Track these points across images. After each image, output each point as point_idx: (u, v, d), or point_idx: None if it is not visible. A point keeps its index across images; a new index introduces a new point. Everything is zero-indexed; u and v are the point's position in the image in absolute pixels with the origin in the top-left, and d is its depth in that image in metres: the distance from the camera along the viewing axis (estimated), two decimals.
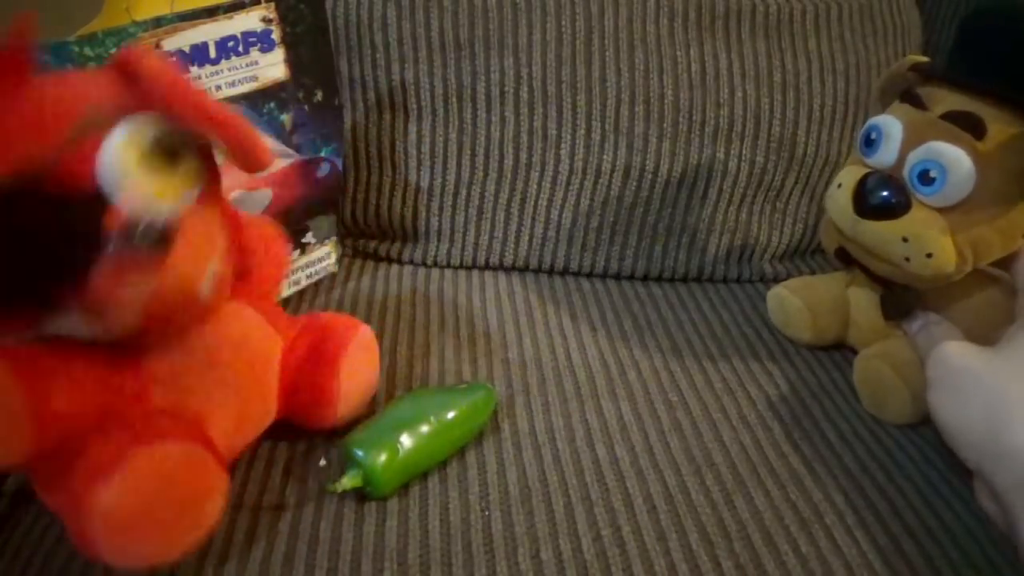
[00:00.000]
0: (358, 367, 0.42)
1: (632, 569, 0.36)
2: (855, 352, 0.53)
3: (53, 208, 0.28)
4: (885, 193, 0.43)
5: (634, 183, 0.62)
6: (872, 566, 0.37)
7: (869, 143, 0.45)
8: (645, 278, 0.64)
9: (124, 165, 0.28)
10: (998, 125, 0.41)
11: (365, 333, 0.43)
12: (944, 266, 0.42)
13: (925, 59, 0.46)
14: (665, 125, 0.61)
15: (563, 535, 0.37)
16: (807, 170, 0.64)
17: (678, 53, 0.61)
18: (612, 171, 0.61)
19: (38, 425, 0.29)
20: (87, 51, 0.39)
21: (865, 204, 0.44)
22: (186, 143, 0.31)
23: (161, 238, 0.29)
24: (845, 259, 0.50)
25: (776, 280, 0.65)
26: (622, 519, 0.39)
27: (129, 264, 0.29)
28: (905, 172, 0.43)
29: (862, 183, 0.44)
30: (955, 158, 0.41)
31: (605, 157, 0.61)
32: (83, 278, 0.28)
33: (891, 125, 0.44)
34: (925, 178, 0.42)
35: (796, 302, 0.53)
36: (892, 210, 0.43)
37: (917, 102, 0.44)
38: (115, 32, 0.41)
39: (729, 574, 0.36)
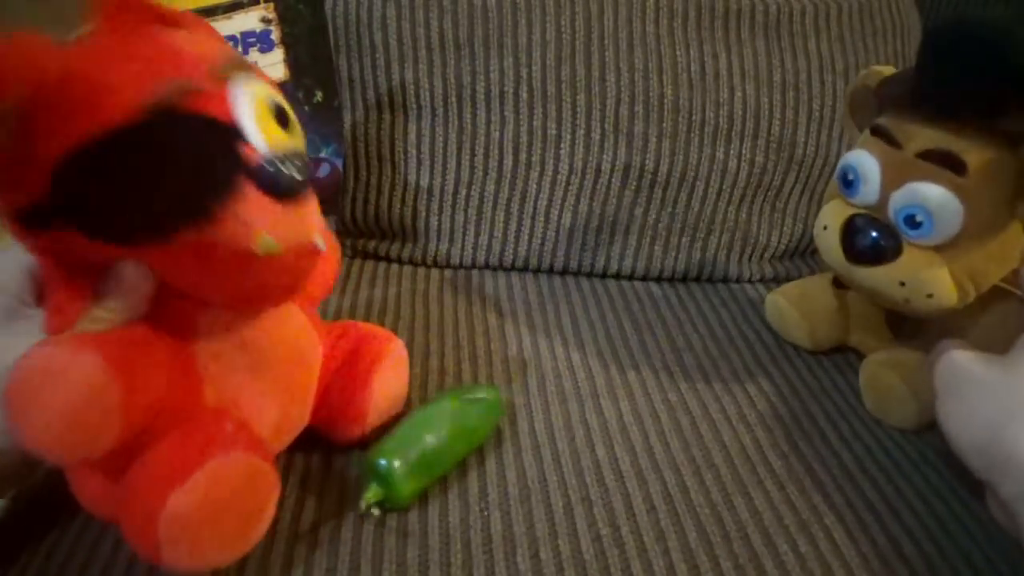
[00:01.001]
0: (390, 381, 0.42)
1: (631, 569, 0.36)
2: (857, 352, 0.53)
3: (203, 127, 0.29)
4: (874, 236, 0.42)
5: (634, 183, 0.62)
6: (871, 567, 0.37)
7: (848, 184, 0.44)
8: (645, 278, 0.64)
9: (255, 112, 0.30)
10: (976, 155, 0.39)
11: (399, 347, 0.43)
12: (945, 302, 0.42)
13: (889, 70, 0.45)
14: (665, 125, 0.61)
15: (562, 535, 0.37)
16: (807, 170, 0.64)
17: (678, 53, 0.61)
18: (612, 171, 0.61)
19: (126, 420, 0.29)
20: None
21: (855, 249, 0.43)
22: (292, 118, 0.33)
23: (300, 182, 0.30)
24: (845, 285, 0.49)
25: (776, 280, 0.65)
26: (621, 519, 0.39)
27: (271, 200, 0.30)
28: (890, 214, 0.42)
29: (849, 226, 0.43)
30: (940, 200, 0.40)
31: (605, 157, 0.61)
32: (231, 200, 0.29)
33: (867, 165, 0.43)
34: (912, 222, 0.41)
35: (794, 314, 0.53)
36: (884, 254, 0.42)
37: (890, 139, 0.43)
38: None
39: (728, 574, 0.36)
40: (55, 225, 0.28)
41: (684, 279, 0.65)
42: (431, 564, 0.36)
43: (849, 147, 0.47)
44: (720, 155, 0.62)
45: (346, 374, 0.40)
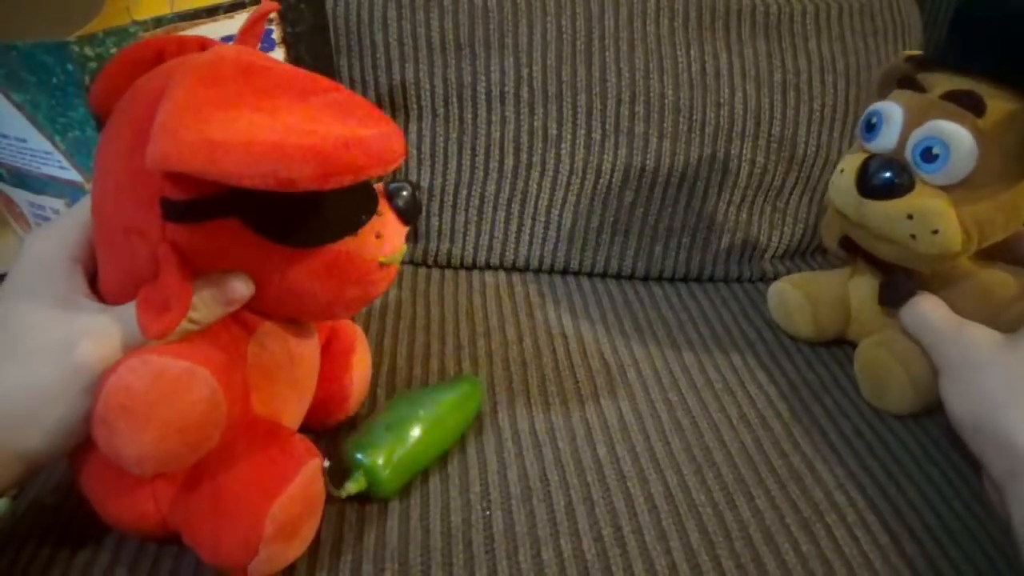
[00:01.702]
0: (364, 365, 0.43)
1: (633, 568, 0.36)
2: (854, 346, 0.53)
3: None
4: (888, 173, 0.43)
5: (634, 183, 0.62)
6: (873, 565, 0.37)
7: (870, 128, 0.46)
8: (645, 278, 0.64)
9: None
10: (996, 103, 0.41)
11: (361, 332, 0.45)
12: (951, 243, 0.42)
13: (919, 52, 0.47)
14: (665, 125, 0.61)
15: (564, 534, 0.37)
16: (807, 170, 0.64)
17: (678, 53, 0.61)
18: (612, 171, 0.61)
19: (223, 432, 0.30)
20: (87, 51, 0.39)
21: (868, 184, 0.44)
22: None
23: (418, 209, 0.35)
24: (849, 248, 0.49)
25: (776, 279, 0.65)
26: (623, 518, 0.39)
27: (398, 220, 0.34)
28: (907, 153, 0.43)
29: (864, 166, 0.44)
30: (957, 135, 0.41)
31: (605, 157, 0.61)
32: (375, 217, 0.33)
33: (892, 109, 0.44)
34: (928, 155, 0.42)
35: (798, 296, 0.53)
36: (896, 189, 0.43)
37: (916, 86, 0.45)
38: (115, 32, 0.41)
39: (730, 573, 0.36)
40: (220, 216, 0.29)
41: (684, 279, 0.65)
42: (433, 564, 0.36)
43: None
44: (721, 155, 0.62)
45: (326, 363, 0.41)
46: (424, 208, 0.63)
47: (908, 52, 0.47)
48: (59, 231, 0.33)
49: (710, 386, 0.50)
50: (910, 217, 0.43)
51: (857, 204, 0.45)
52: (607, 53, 0.60)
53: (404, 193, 0.34)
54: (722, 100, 0.61)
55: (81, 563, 0.35)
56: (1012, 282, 0.46)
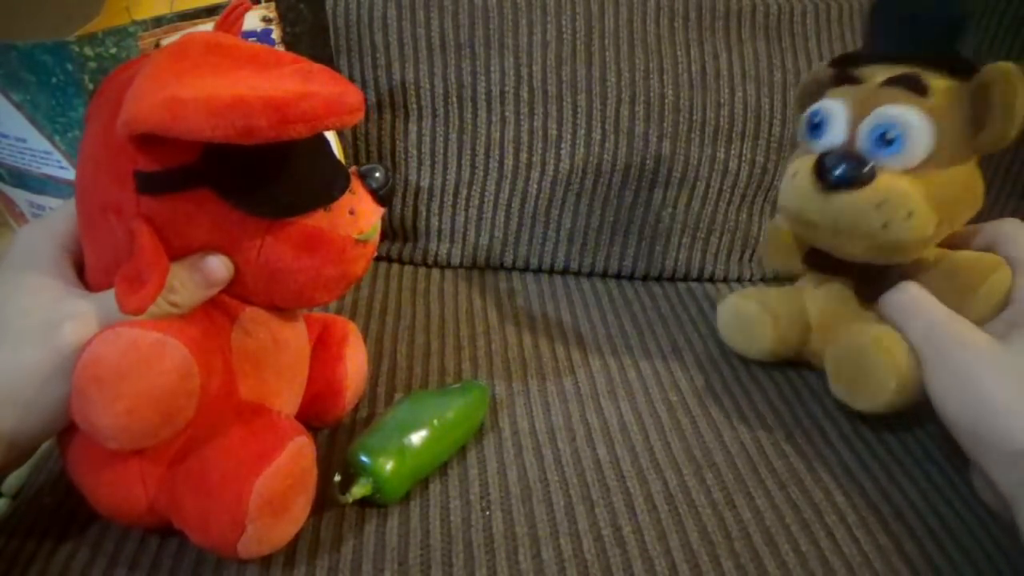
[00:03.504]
0: (359, 358, 0.43)
1: (633, 569, 0.36)
2: (813, 369, 0.51)
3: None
4: (848, 164, 0.42)
5: (634, 183, 0.62)
6: (873, 566, 0.37)
7: (815, 127, 0.44)
8: (645, 278, 0.64)
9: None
10: (936, 82, 0.41)
11: (354, 327, 0.45)
12: (924, 227, 0.41)
13: (839, 56, 0.47)
14: (665, 125, 0.61)
15: (564, 535, 0.37)
16: None
17: (678, 53, 0.61)
18: (612, 171, 0.61)
19: (198, 406, 0.31)
20: (87, 50, 0.39)
21: (830, 178, 0.42)
22: None
23: (391, 189, 0.36)
24: (816, 263, 0.48)
25: (776, 280, 0.65)
26: (623, 519, 0.39)
27: (372, 198, 0.35)
28: (860, 144, 0.42)
29: (820, 162, 0.42)
30: (909, 115, 0.40)
31: (605, 157, 0.61)
32: (349, 193, 0.34)
33: (833, 105, 0.43)
34: (884, 140, 0.41)
35: (755, 308, 0.50)
36: (859, 179, 0.41)
37: (853, 80, 0.44)
38: (115, 31, 0.41)
39: (730, 574, 0.36)
40: (192, 187, 0.30)
41: (684, 279, 0.65)
42: (433, 564, 0.36)
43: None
44: (721, 155, 0.62)
45: (319, 357, 0.42)
46: (424, 208, 0.63)
47: (823, 64, 0.47)
48: (50, 222, 0.34)
49: (710, 386, 0.50)
50: (880, 205, 0.41)
51: (821, 202, 0.43)
52: (607, 53, 0.60)
53: (377, 174, 0.35)
54: (722, 100, 0.61)
55: (81, 563, 0.35)
56: (976, 260, 0.43)
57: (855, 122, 0.42)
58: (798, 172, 0.44)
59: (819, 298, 0.49)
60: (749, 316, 0.50)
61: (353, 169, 0.35)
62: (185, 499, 0.32)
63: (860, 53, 0.45)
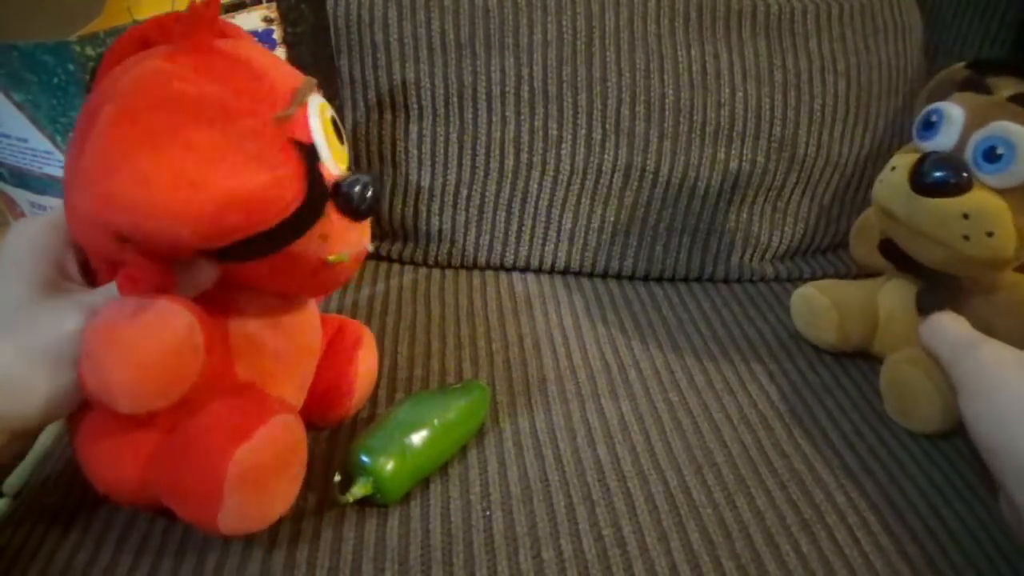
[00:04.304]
0: (370, 364, 0.44)
1: (633, 569, 0.36)
2: (870, 358, 0.52)
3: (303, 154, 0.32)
4: (946, 171, 0.42)
5: (634, 183, 0.62)
6: (874, 566, 0.37)
7: (928, 126, 0.44)
8: (645, 278, 0.64)
9: (323, 128, 0.33)
10: None
11: (370, 333, 0.45)
12: (1004, 248, 0.41)
13: (977, 60, 0.46)
14: (665, 125, 0.61)
15: (564, 535, 0.37)
16: (807, 170, 0.64)
17: (679, 53, 0.61)
18: (612, 171, 0.61)
19: (201, 370, 0.31)
20: (88, 51, 0.39)
21: (923, 181, 0.42)
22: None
23: (371, 207, 0.34)
24: (889, 253, 0.48)
25: (777, 280, 0.65)
26: (623, 519, 0.39)
27: (348, 221, 0.33)
28: (967, 153, 0.42)
29: (920, 163, 0.43)
30: (1022, 136, 0.40)
31: (606, 157, 0.61)
32: (320, 221, 0.32)
33: (953, 109, 0.43)
34: (991, 155, 0.41)
35: (823, 300, 0.52)
36: (952, 188, 0.41)
37: (981, 88, 0.43)
38: (116, 32, 0.41)
39: (731, 574, 0.36)
40: None
41: (685, 279, 0.65)
42: (433, 564, 0.36)
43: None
44: (721, 155, 0.62)
45: (332, 358, 0.42)
46: (424, 208, 0.63)
47: (959, 65, 0.46)
48: (53, 216, 0.35)
49: (711, 386, 0.50)
50: (966, 216, 0.41)
51: (908, 202, 0.43)
52: (607, 53, 0.60)
53: (356, 189, 0.33)
54: (722, 100, 0.61)
55: (81, 563, 0.35)
56: None
57: (969, 130, 0.42)
58: (897, 167, 0.44)
59: (891, 297, 0.51)
60: (817, 308, 0.52)
61: (335, 181, 0.33)
62: (169, 472, 0.32)
63: (999, 61, 0.45)
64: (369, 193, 0.33)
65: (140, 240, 0.29)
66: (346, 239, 0.34)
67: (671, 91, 0.60)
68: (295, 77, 0.34)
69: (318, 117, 0.33)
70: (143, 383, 0.29)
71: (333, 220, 0.33)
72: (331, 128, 0.34)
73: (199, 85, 0.30)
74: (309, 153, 0.32)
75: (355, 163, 0.62)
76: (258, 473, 0.31)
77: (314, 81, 0.34)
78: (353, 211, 0.33)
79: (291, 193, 0.30)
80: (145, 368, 0.29)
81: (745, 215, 0.64)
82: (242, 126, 0.30)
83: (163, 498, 0.33)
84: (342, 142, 0.35)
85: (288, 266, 0.33)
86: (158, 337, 0.29)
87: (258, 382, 0.36)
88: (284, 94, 0.32)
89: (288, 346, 0.37)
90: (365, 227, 0.36)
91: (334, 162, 0.33)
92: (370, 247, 0.37)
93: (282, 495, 0.33)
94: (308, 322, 0.39)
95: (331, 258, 0.33)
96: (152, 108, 0.29)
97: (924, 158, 0.43)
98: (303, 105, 0.32)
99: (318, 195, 0.32)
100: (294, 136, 0.31)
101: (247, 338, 0.35)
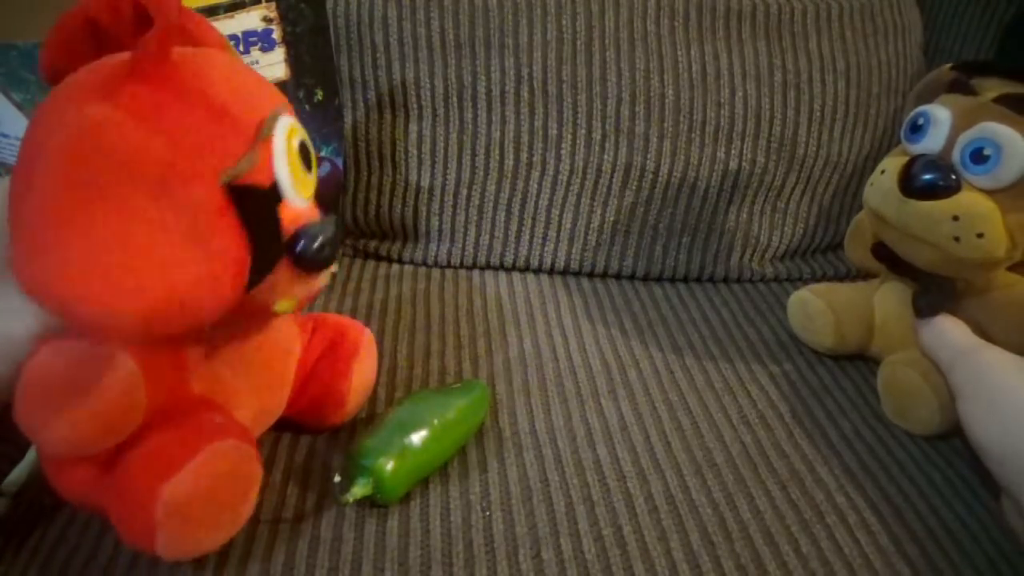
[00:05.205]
0: (366, 370, 0.43)
1: (633, 569, 0.36)
2: (870, 360, 0.52)
3: (260, 202, 0.30)
4: (935, 173, 0.42)
5: (634, 183, 0.62)
6: (873, 567, 0.37)
7: (915, 129, 0.45)
8: (645, 278, 0.64)
9: (288, 161, 0.31)
10: None
11: (370, 337, 0.44)
12: (995, 248, 0.41)
13: (964, 62, 0.46)
14: (665, 125, 0.61)
15: (564, 535, 0.37)
16: (807, 170, 0.64)
17: (679, 53, 0.61)
18: (612, 171, 0.61)
19: (143, 416, 0.31)
20: None
21: (913, 184, 0.43)
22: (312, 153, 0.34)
23: (327, 260, 0.32)
24: (882, 255, 0.48)
25: (777, 280, 0.65)
26: (623, 519, 0.39)
27: (300, 274, 0.32)
28: (955, 155, 0.42)
29: (909, 165, 0.43)
30: (1010, 136, 0.40)
31: (605, 157, 0.61)
32: (270, 274, 0.31)
33: (940, 111, 0.43)
34: (978, 157, 0.41)
35: (819, 304, 0.52)
36: (941, 190, 0.42)
37: (967, 90, 0.44)
38: None
39: (731, 574, 0.36)
40: None
41: (685, 279, 0.65)
42: (433, 564, 0.36)
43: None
44: (721, 155, 0.62)
45: (327, 365, 0.42)
46: (424, 208, 0.63)
47: (947, 67, 0.46)
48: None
49: (711, 386, 0.50)
50: (955, 219, 0.41)
51: (898, 205, 0.43)
52: (607, 53, 0.60)
53: (313, 246, 0.31)
54: (722, 100, 0.61)
55: (80, 563, 0.35)
56: None
57: (956, 132, 0.42)
58: (886, 170, 0.45)
59: (886, 299, 0.51)
60: (813, 311, 0.53)
61: (293, 231, 0.31)
62: (108, 500, 0.32)
63: (985, 62, 0.45)
64: (326, 251, 0.31)
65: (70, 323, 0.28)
66: (296, 290, 0.32)
67: (671, 91, 0.60)
68: (265, 102, 0.31)
69: (284, 146, 0.31)
70: (72, 438, 0.29)
71: (282, 274, 0.31)
72: (296, 158, 0.32)
73: (142, 139, 0.27)
74: (267, 198, 0.30)
75: (355, 163, 0.62)
76: (189, 508, 0.30)
77: (284, 105, 0.32)
78: (307, 267, 0.31)
79: (228, 286, 0.29)
80: (76, 425, 0.28)
81: (745, 215, 0.64)
82: (182, 197, 0.27)
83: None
84: (310, 169, 0.33)
85: (238, 312, 0.31)
86: (92, 395, 0.28)
87: (214, 393, 0.35)
88: (247, 129, 0.30)
89: (248, 354, 0.36)
90: (323, 276, 0.34)
91: (298, 195, 0.31)
92: (327, 283, 0.35)
93: (227, 522, 0.33)
94: (278, 327, 0.38)
95: (278, 308, 0.32)
96: (88, 178, 0.26)
97: (913, 161, 0.43)
98: (267, 139, 0.30)
99: (267, 257, 0.30)
100: (252, 182, 0.29)
101: (202, 350, 0.34)
